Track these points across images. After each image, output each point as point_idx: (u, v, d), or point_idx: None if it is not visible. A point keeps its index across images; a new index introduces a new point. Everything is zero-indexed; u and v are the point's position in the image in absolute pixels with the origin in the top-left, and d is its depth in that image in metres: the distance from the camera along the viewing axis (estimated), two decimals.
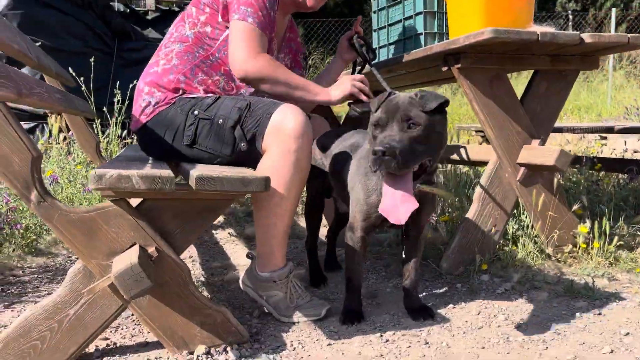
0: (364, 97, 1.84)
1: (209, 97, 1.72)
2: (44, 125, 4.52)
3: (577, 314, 1.71)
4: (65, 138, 3.59)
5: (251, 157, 1.66)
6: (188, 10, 1.82)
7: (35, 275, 2.24)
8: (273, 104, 1.65)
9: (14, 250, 2.46)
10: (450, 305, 1.81)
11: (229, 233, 3.02)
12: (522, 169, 2.11)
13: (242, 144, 1.64)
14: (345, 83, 1.81)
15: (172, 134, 1.70)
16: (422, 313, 1.69)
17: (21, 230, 2.48)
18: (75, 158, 3.38)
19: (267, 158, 1.61)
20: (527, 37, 1.81)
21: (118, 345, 1.54)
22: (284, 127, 1.59)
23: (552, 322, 1.66)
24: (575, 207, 2.17)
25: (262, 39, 1.73)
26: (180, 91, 1.74)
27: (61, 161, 3.24)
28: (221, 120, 1.65)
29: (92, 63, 3.85)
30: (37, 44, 4.53)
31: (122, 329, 1.65)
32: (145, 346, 1.53)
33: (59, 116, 3.54)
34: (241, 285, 1.80)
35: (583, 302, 1.80)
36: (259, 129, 1.62)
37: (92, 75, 3.70)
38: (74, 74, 3.24)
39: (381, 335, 1.57)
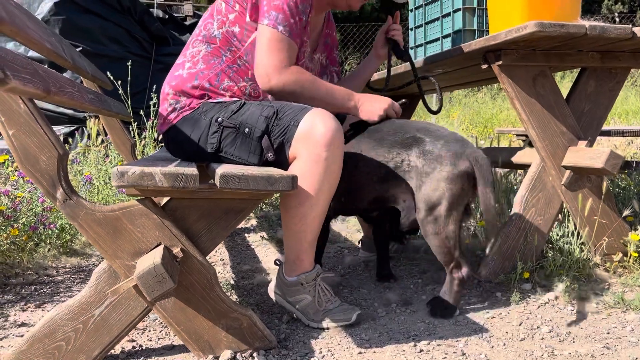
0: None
1: (233, 102, 1.66)
2: (84, 128, 4.61)
3: (629, 328, 1.59)
4: (102, 141, 3.63)
5: (278, 166, 1.60)
6: (218, 6, 1.75)
7: (69, 276, 2.25)
8: (301, 109, 1.57)
9: (49, 250, 2.48)
10: (489, 315, 1.71)
11: (260, 236, 2.98)
12: (568, 171, 1.99)
13: (270, 154, 1.58)
14: (382, 102, 1.76)
15: (196, 140, 1.65)
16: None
17: (56, 231, 2.50)
18: (112, 161, 3.42)
19: (296, 165, 1.54)
20: (575, 30, 1.70)
21: (144, 347, 1.51)
22: (313, 134, 1.52)
23: (601, 335, 1.54)
24: (626, 213, 2.04)
25: (291, 48, 1.66)
26: (206, 97, 1.69)
27: (98, 164, 3.28)
28: (247, 130, 1.59)
29: (130, 67, 3.90)
30: (79, 49, 4.63)
31: (149, 331, 1.62)
32: (171, 349, 1.49)
33: (97, 119, 3.58)
34: (270, 294, 1.74)
35: (635, 315, 1.67)
36: (286, 137, 1.55)
37: (129, 79, 3.74)
38: (112, 78, 3.28)
39: (415, 345, 1.49)
